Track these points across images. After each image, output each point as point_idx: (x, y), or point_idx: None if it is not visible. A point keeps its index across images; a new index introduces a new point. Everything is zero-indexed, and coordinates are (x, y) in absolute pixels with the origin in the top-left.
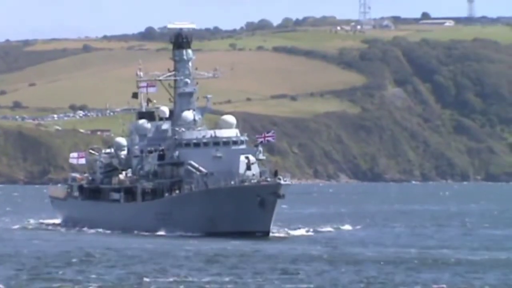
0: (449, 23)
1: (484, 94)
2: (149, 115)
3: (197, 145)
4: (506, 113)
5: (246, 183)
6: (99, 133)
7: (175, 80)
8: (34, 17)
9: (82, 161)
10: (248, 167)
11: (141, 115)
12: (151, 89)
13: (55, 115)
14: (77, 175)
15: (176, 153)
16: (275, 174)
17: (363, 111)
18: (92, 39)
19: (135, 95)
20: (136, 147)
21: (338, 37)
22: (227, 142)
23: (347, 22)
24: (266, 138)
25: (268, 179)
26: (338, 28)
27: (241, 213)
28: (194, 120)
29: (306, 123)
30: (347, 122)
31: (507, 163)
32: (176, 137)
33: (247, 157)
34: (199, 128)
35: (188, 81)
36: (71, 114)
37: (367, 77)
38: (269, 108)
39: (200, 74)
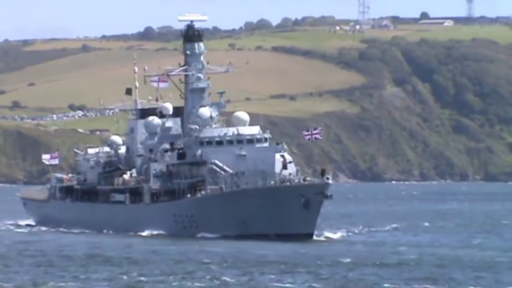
0: (448, 23)
1: (483, 94)
2: (151, 112)
3: (219, 143)
4: (505, 113)
5: (287, 183)
6: (98, 132)
7: (185, 76)
8: (33, 17)
9: (55, 161)
10: (284, 166)
11: (143, 112)
12: (162, 85)
13: (54, 115)
14: (63, 175)
15: (199, 151)
16: (322, 173)
17: (362, 111)
18: (91, 39)
19: (128, 92)
20: (140, 146)
21: (337, 37)
22: (251, 140)
23: (346, 22)
24: (314, 135)
25: (308, 178)
26: (337, 28)
27: (281, 214)
28: (211, 117)
29: (305, 122)
30: (346, 122)
31: (506, 163)
32: (197, 135)
33: (282, 156)
34: (215, 125)
35: (201, 76)
36: (70, 114)
37: (366, 77)
38: (268, 107)
39: (212, 69)
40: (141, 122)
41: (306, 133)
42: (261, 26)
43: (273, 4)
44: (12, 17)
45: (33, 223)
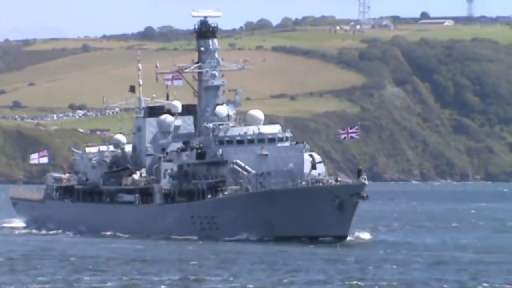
0: (448, 23)
1: (483, 94)
2: (160, 111)
3: (240, 142)
4: (505, 112)
5: (320, 184)
6: (98, 132)
7: (199, 73)
8: (33, 17)
9: (44, 160)
10: (313, 166)
11: (151, 111)
12: (176, 82)
13: (54, 115)
14: (61, 175)
15: (219, 151)
16: (359, 173)
17: (362, 110)
18: (92, 39)
19: (132, 89)
20: (149, 144)
21: (338, 37)
22: (273, 139)
23: (347, 21)
24: (350, 135)
25: (338, 179)
26: (338, 27)
27: (313, 216)
28: (228, 115)
29: (305, 122)
30: (346, 122)
31: (506, 163)
32: (216, 134)
33: (311, 155)
34: (232, 124)
35: (216, 73)
36: (71, 114)
37: (366, 77)
38: (268, 107)
39: (226, 66)
40: (149, 120)
41: (341, 132)
42: (262, 26)
43: (273, 4)
44: (12, 17)
45: (23, 224)
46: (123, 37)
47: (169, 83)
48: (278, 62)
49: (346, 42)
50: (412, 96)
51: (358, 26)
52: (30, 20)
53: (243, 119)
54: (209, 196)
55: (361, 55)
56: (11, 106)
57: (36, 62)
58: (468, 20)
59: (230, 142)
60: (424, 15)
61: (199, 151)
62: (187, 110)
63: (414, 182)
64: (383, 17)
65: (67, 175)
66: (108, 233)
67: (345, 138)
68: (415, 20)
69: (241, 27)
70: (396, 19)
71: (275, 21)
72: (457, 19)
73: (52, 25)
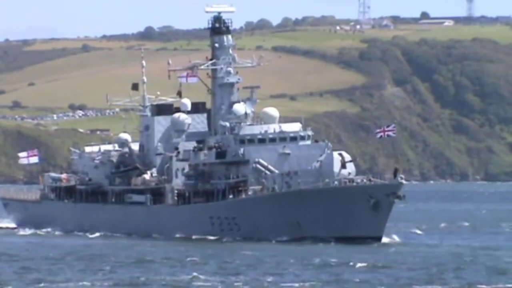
0: (448, 23)
1: (483, 94)
2: (167, 109)
3: (262, 141)
4: (505, 112)
5: (354, 184)
6: (98, 132)
7: (213, 70)
8: (33, 17)
9: (35, 159)
10: (343, 165)
11: (159, 109)
12: (191, 80)
13: (54, 115)
14: (59, 175)
15: (241, 150)
16: (395, 172)
17: (362, 110)
18: (92, 39)
19: (135, 87)
20: (159, 144)
21: (338, 37)
22: (294, 138)
23: (347, 21)
24: (386, 133)
25: (371, 178)
26: (338, 27)
27: (345, 216)
28: (245, 113)
29: (305, 122)
30: (346, 122)
31: (506, 163)
32: (236, 132)
33: (340, 154)
34: (249, 123)
35: (231, 70)
36: (71, 114)
37: (366, 77)
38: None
39: (240, 63)
40: (158, 118)
41: (378, 130)
42: (261, 26)
43: (273, 4)
44: (12, 17)
45: (14, 225)
46: (123, 37)
47: (183, 80)
48: (278, 62)
49: (346, 42)
50: (412, 96)
51: (358, 26)
52: (30, 20)
53: (259, 117)
54: (231, 196)
55: (361, 55)
56: (11, 106)
57: (36, 62)
58: (468, 20)
59: (251, 141)
60: (424, 15)
61: (218, 150)
62: (196, 108)
63: (414, 182)
64: (383, 17)
65: (65, 175)
66: (116, 234)
67: (381, 136)
68: (415, 20)
69: (241, 27)
70: (396, 19)
71: (275, 21)
72: (457, 19)
73: (52, 25)
